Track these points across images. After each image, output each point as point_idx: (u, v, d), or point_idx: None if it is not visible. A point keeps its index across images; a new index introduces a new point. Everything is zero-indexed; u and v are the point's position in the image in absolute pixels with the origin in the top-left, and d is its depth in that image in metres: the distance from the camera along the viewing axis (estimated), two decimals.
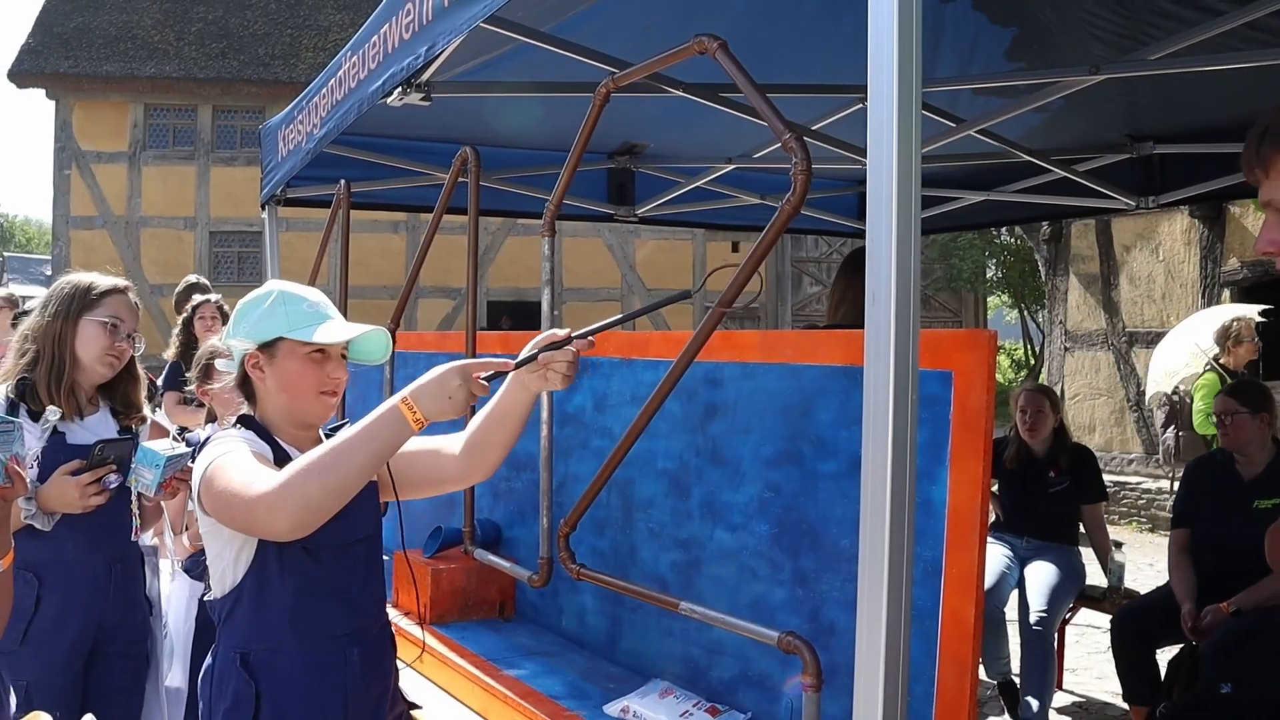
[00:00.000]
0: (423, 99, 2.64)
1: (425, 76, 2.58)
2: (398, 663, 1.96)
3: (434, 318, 18.01)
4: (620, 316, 1.72)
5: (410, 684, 2.62)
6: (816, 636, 1.79)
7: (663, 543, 2.33)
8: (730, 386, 2.14)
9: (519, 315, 17.39)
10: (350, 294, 3.88)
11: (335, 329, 1.79)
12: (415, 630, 2.78)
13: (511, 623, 2.89)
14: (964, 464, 1.67)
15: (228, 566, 1.75)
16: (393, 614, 2.92)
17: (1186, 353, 6.61)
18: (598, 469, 2.07)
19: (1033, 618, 4.03)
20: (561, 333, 1.69)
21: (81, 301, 2.47)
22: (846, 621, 1.84)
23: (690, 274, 19.50)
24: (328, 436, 1.92)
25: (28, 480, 1.59)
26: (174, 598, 3.03)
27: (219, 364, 1.92)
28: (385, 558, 3.53)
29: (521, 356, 1.68)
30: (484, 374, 1.61)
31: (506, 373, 1.66)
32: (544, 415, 2.34)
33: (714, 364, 2.15)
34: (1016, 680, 4.15)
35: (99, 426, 2.46)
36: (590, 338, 1.68)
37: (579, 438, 2.63)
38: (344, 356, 1.85)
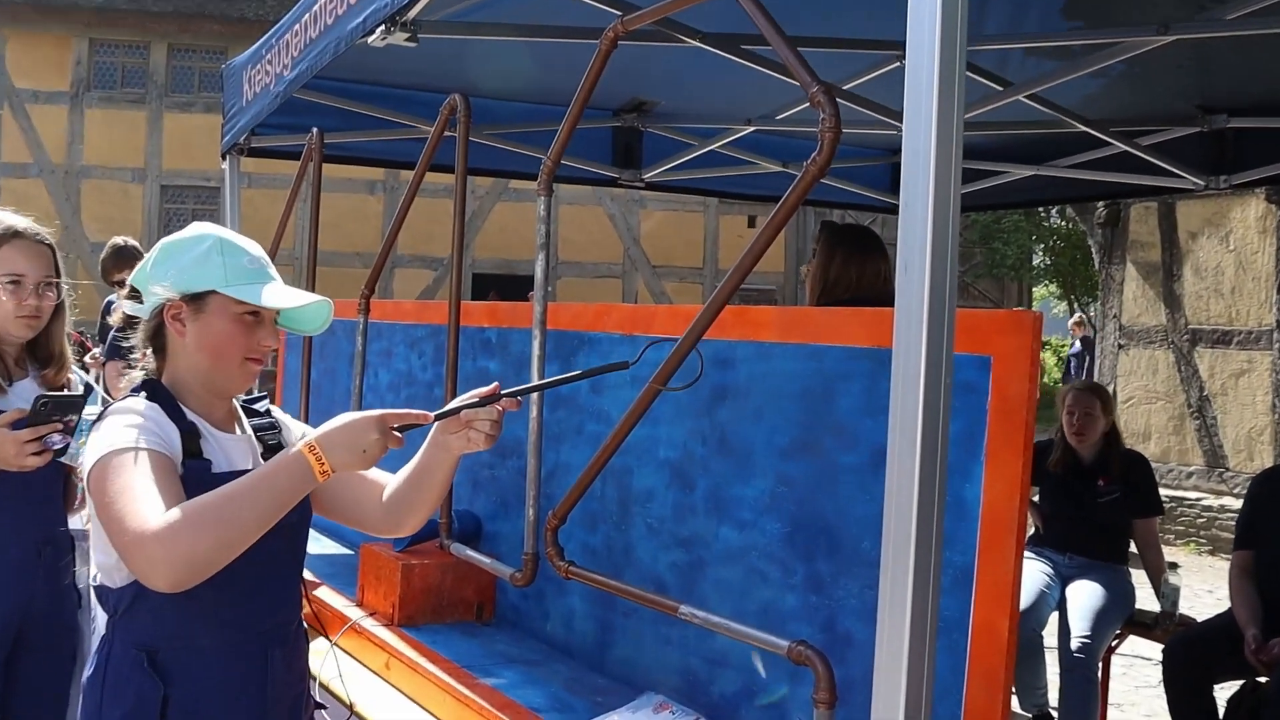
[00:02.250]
0: (408, 39, 2.65)
1: (412, 14, 2.59)
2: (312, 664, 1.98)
3: (412, 289, 18.03)
4: (555, 379, 1.79)
5: (375, 694, 2.65)
6: (831, 648, 1.82)
7: (662, 540, 2.36)
8: (742, 367, 2.17)
9: (508, 290, 17.39)
10: (319, 260, 3.91)
11: (281, 292, 1.79)
12: (384, 633, 2.81)
13: (490, 626, 2.92)
14: (1001, 460, 1.69)
15: None
16: (357, 615, 2.97)
17: None
18: (591, 457, 2.09)
19: (1074, 644, 4.05)
20: (488, 388, 1.72)
21: None
22: (865, 632, 1.86)
23: (701, 249, 19.52)
24: (245, 410, 1.93)
25: None
26: None
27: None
28: (350, 551, 3.57)
29: (443, 410, 1.73)
30: (398, 425, 1.65)
31: (422, 425, 1.70)
32: (532, 395, 2.36)
33: (725, 342, 2.17)
34: (1054, 713, 4.19)
35: (29, 394, 2.47)
36: (518, 397, 1.73)
37: (572, 421, 2.65)
38: (273, 322, 1.85)
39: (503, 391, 1.72)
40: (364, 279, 3.38)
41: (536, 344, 2.39)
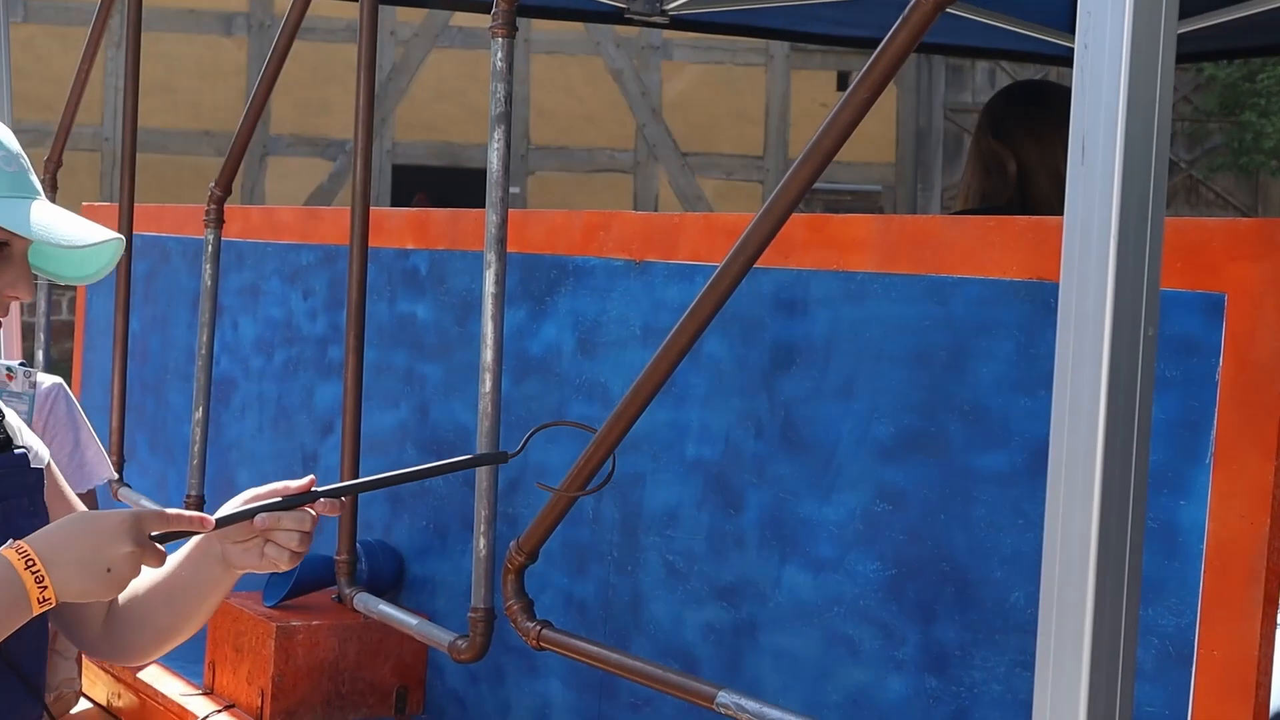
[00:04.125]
0: None
1: None
2: None
3: (297, 189, 18.04)
4: (397, 474, 1.90)
5: None
6: None
7: (691, 588, 2.38)
8: (820, 314, 2.18)
9: (447, 189, 17.38)
10: (143, 142, 3.90)
11: (56, 217, 1.81)
12: None
13: None
14: (1240, 462, 1.69)
15: None
16: (203, 709, 2.99)
17: None
18: (579, 455, 2.10)
19: None
20: (298, 483, 1.79)
21: None
22: None
23: (761, 127, 19.47)
24: None
25: None
26: None
27: None
28: None
29: (227, 512, 1.79)
30: (160, 532, 1.71)
31: (198, 533, 1.78)
32: (486, 357, 2.37)
33: (793, 273, 2.18)
34: None
35: None
36: (341, 498, 1.84)
37: (547, 400, 2.67)
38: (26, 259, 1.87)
39: (318, 489, 1.79)
40: (215, 172, 3.39)
41: (491, 275, 2.39)
